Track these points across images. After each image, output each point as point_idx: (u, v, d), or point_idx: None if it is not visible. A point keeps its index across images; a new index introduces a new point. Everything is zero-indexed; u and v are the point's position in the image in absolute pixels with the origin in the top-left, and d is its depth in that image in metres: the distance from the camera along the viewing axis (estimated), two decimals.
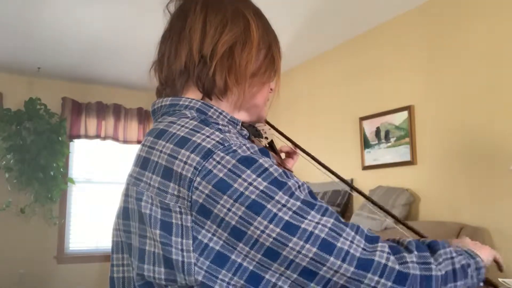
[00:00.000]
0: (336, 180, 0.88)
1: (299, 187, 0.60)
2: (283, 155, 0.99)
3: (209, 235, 0.57)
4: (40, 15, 3.37)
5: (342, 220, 0.59)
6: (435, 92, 3.03)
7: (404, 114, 3.22)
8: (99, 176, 5.15)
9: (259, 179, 0.57)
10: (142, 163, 0.65)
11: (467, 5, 2.86)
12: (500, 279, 2.17)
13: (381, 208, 0.86)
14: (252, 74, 0.73)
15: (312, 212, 0.57)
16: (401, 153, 3.23)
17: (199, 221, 0.57)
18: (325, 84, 4.11)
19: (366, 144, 3.56)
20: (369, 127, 3.53)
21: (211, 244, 0.56)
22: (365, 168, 3.55)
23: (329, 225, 0.57)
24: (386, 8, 3.26)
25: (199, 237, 0.57)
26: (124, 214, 0.66)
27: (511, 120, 2.56)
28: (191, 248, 0.56)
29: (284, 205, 0.56)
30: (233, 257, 0.56)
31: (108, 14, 3.37)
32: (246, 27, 0.72)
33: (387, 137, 3.37)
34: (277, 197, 0.56)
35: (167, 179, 0.60)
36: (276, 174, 0.58)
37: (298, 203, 0.57)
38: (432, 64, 3.07)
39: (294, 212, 0.56)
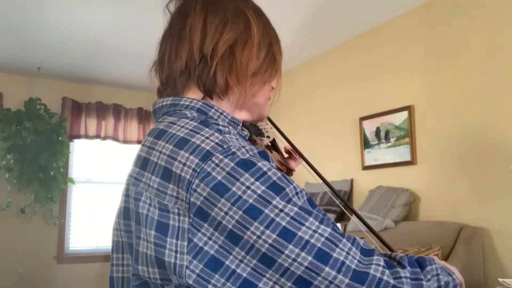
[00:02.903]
0: (329, 191, 0.87)
1: (297, 193, 0.59)
2: (285, 155, 0.98)
3: (205, 238, 0.56)
4: (40, 15, 3.37)
5: (339, 230, 0.59)
6: (435, 92, 3.03)
7: (404, 114, 3.22)
8: (99, 176, 5.15)
9: (257, 183, 0.57)
10: (142, 163, 0.65)
11: (467, 6, 2.86)
12: (500, 279, 2.17)
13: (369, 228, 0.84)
14: (253, 73, 0.73)
15: (310, 219, 0.57)
16: (401, 153, 3.23)
17: (196, 223, 0.57)
18: (325, 84, 4.11)
19: (366, 144, 3.56)
20: (369, 127, 3.53)
21: (206, 248, 0.56)
22: (365, 168, 3.55)
23: (326, 234, 0.56)
24: (386, 8, 3.27)
25: (195, 239, 0.56)
26: (125, 214, 0.66)
27: (511, 120, 2.56)
28: (185, 250, 0.56)
29: (281, 210, 0.56)
30: (227, 262, 0.55)
31: (108, 14, 3.37)
32: (247, 26, 0.72)
33: (387, 137, 3.37)
34: (274, 202, 0.56)
35: (167, 180, 0.60)
36: (274, 178, 0.58)
37: (296, 209, 0.57)
38: (432, 64, 3.07)
39: (292, 218, 0.56)
